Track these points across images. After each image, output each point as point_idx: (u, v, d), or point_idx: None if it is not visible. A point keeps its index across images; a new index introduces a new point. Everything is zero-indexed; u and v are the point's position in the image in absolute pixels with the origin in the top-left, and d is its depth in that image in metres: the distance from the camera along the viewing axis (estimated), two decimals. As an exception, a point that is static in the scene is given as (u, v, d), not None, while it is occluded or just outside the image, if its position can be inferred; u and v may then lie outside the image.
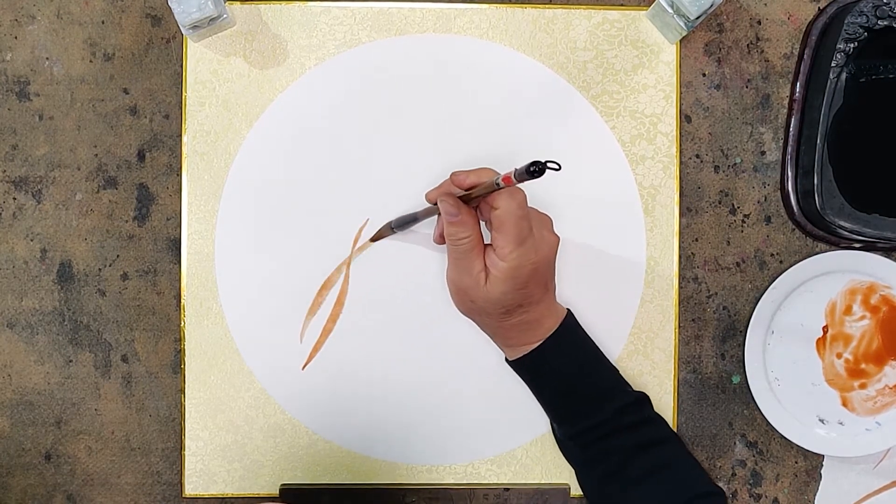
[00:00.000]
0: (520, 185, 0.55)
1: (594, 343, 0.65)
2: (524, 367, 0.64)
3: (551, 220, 0.64)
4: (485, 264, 0.60)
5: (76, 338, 0.69)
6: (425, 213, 0.64)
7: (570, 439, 0.65)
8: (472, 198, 0.59)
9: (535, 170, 0.51)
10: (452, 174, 0.61)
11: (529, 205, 0.60)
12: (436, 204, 0.62)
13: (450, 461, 0.70)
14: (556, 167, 0.52)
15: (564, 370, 0.63)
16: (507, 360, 0.66)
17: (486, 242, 0.61)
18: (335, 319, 0.69)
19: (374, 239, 0.69)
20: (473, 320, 0.64)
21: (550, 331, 0.62)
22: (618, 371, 0.66)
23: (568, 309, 0.65)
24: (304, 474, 0.69)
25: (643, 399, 0.65)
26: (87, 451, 0.70)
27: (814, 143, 0.67)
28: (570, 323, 0.64)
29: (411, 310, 0.69)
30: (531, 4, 0.70)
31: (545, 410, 0.67)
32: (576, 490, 0.70)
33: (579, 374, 0.63)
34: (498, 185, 0.55)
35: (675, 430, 0.70)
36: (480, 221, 0.61)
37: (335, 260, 0.69)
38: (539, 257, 0.59)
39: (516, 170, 0.53)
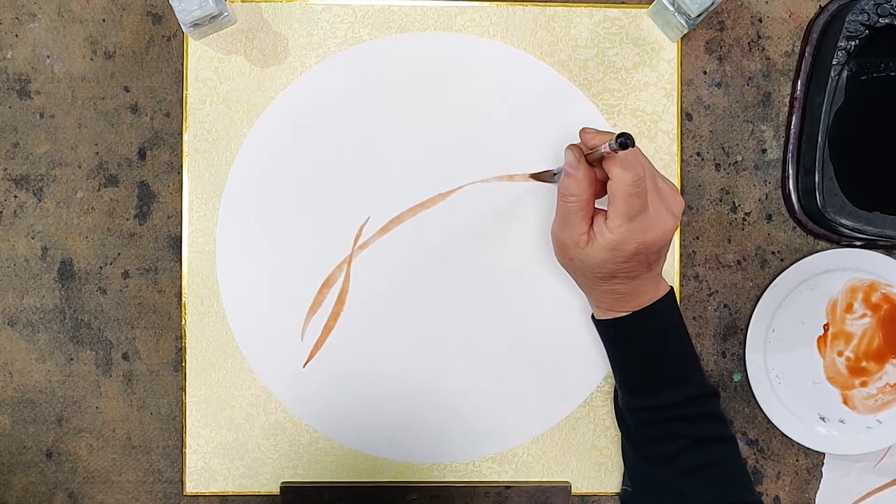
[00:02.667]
0: (639, 158, 0.56)
1: (684, 327, 0.63)
2: (607, 331, 0.63)
3: (681, 202, 0.60)
4: (591, 226, 0.59)
5: (77, 336, 0.69)
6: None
7: (631, 411, 0.64)
8: (592, 159, 0.58)
9: (622, 142, 0.52)
10: (582, 130, 0.60)
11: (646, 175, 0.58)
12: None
13: (451, 459, 0.70)
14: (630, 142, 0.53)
15: (644, 347, 0.62)
16: (592, 316, 0.65)
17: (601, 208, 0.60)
18: (336, 317, 0.69)
19: (534, 176, 0.67)
20: (569, 274, 0.63)
21: (643, 305, 0.61)
22: (698, 360, 0.64)
23: (671, 287, 0.63)
24: (305, 472, 0.69)
25: (714, 393, 0.64)
26: (88, 449, 0.70)
27: (815, 141, 0.67)
28: (665, 303, 0.62)
29: (412, 308, 0.69)
30: (532, 2, 0.69)
31: (614, 374, 0.66)
32: (577, 488, 0.70)
33: (658, 354, 0.62)
34: (609, 150, 0.54)
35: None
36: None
37: (336, 258, 0.69)
38: (647, 238, 0.57)
39: (609, 142, 0.53)
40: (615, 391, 0.67)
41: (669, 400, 0.62)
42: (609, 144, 0.54)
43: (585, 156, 0.59)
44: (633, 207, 0.57)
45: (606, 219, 0.58)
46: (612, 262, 0.58)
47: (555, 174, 0.65)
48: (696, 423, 0.62)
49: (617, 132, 0.54)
